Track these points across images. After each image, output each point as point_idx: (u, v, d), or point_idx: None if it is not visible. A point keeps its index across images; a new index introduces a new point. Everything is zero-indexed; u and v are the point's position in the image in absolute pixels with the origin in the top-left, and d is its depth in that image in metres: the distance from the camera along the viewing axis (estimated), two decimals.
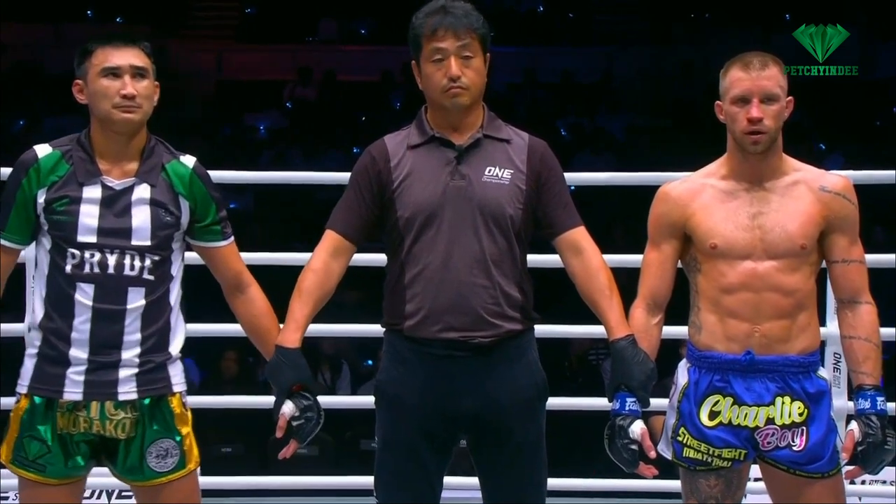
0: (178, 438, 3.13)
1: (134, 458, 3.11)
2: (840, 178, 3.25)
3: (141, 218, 3.10)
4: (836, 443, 3.21)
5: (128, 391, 3.08)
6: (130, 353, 3.08)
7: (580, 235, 3.22)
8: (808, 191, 3.21)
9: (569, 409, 4.71)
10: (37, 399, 3.09)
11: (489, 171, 3.17)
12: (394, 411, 3.19)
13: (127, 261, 3.07)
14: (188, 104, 13.20)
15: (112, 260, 3.06)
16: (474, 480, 3.29)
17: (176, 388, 3.15)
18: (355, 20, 15.24)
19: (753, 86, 3.15)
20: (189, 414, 3.18)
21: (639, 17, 15.28)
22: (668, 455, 3.25)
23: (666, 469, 3.27)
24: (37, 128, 12.47)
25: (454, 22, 3.16)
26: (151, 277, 3.09)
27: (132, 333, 3.08)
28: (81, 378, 3.06)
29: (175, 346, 3.16)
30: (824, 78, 12.35)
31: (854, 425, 3.11)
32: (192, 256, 3.27)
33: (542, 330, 4.27)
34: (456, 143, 3.18)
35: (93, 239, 3.07)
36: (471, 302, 3.12)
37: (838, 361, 4.28)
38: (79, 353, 3.06)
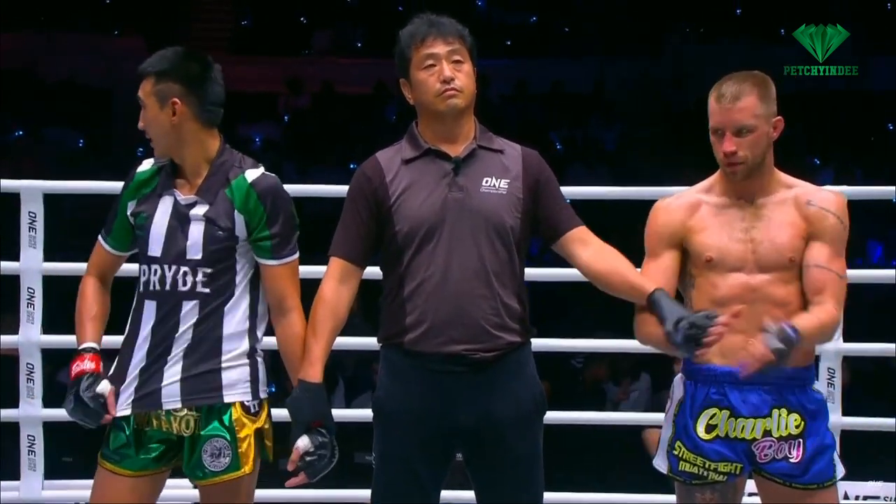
0: (229, 438, 3.14)
1: (196, 456, 3.16)
2: (830, 195, 3.25)
3: (195, 235, 3.15)
4: (834, 456, 3.21)
5: (171, 401, 3.14)
6: (177, 364, 3.13)
7: (585, 232, 3.24)
8: (796, 205, 3.22)
9: (574, 424, 4.71)
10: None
11: (486, 182, 3.17)
12: (391, 426, 3.18)
13: (180, 277, 3.14)
14: None
15: (169, 276, 3.15)
16: (470, 494, 3.29)
17: (229, 398, 3.15)
18: (350, 32, 15.25)
19: (725, 119, 3.16)
20: (260, 420, 3.18)
21: (630, 28, 15.30)
22: (664, 469, 3.25)
23: (662, 483, 3.27)
24: (36, 137, 12.47)
25: (442, 29, 3.18)
26: (206, 290, 3.15)
27: (181, 345, 3.13)
28: (132, 388, 3.15)
29: (233, 354, 3.16)
30: (818, 92, 12.37)
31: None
32: None
33: (543, 344, 4.28)
34: (451, 154, 3.18)
35: (157, 254, 3.17)
36: (472, 313, 3.11)
37: (832, 377, 4.28)
38: (136, 365, 3.16)
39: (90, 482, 3.22)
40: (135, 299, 3.20)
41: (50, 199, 4.40)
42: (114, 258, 3.27)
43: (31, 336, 4.35)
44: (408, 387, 3.15)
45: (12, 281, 4.40)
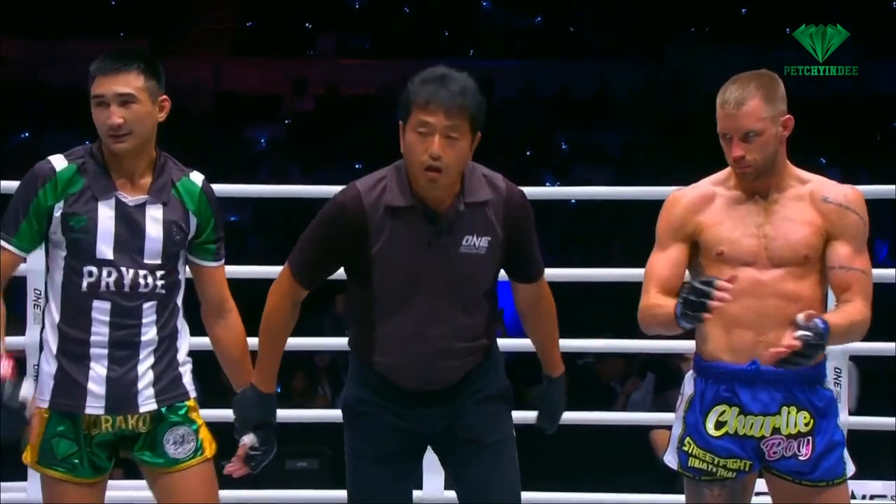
0: (194, 427, 3.20)
1: (157, 447, 3.18)
2: (847, 189, 3.24)
3: (153, 237, 3.15)
4: (844, 454, 3.21)
5: (147, 402, 3.16)
6: (146, 365, 3.15)
7: (537, 288, 3.25)
8: (812, 202, 3.21)
9: (580, 424, 4.71)
10: (56, 414, 3.15)
11: (466, 241, 3.10)
12: (361, 427, 3.19)
13: (141, 279, 3.13)
14: (186, 118, 13.22)
15: (128, 278, 3.12)
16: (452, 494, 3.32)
17: (192, 394, 3.23)
18: (354, 34, 15.27)
19: (731, 125, 3.15)
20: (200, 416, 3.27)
21: (634, 32, 15.31)
22: (674, 465, 3.25)
23: (670, 482, 3.28)
24: (38, 142, 12.48)
25: (448, 98, 3.02)
26: (163, 291, 3.16)
27: (147, 346, 3.15)
28: (102, 391, 3.14)
29: (184, 352, 3.23)
30: (823, 93, 12.38)
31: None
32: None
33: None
34: (437, 211, 3.09)
35: (109, 257, 3.12)
36: (445, 364, 3.13)
37: (839, 376, 4.28)
38: (98, 367, 3.13)
39: None
40: (66, 299, 3.14)
41: None
42: (16, 260, 3.17)
43: (37, 337, 4.34)
44: (377, 396, 3.16)
45: (19, 282, 4.40)
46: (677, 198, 3.28)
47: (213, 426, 3.31)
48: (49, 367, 3.17)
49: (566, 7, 15.71)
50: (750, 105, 3.14)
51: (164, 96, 3.18)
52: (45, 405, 3.15)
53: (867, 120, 13.27)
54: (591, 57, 14.88)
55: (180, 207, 3.18)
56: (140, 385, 3.15)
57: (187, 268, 3.26)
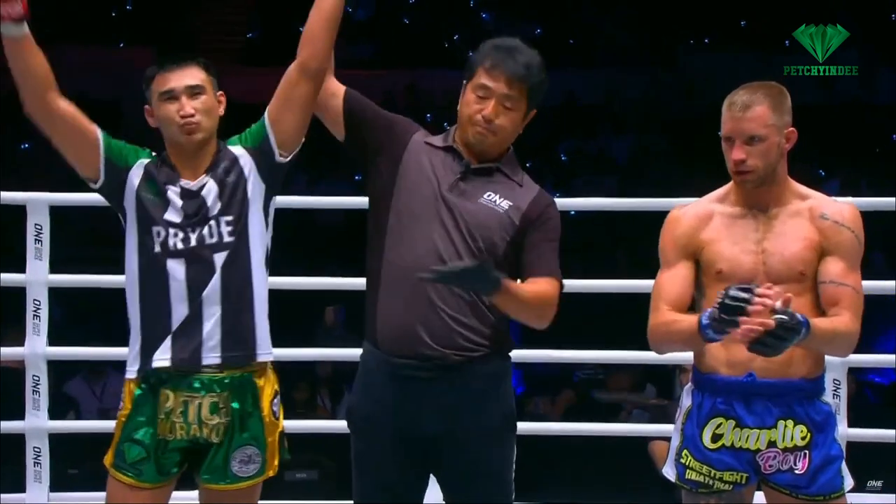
0: (262, 447, 3.23)
1: (219, 460, 3.22)
2: (844, 206, 3.24)
3: (213, 194, 3.22)
4: (842, 468, 3.20)
5: (212, 357, 3.19)
6: (212, 321, 3.19)
7: (547, 283, 3.18)
8: (810, 218, 3.21)
9: (581, 435, 4.71)
10: (138, 391, 3.21)
11: (488, 196, 3.17)
12: (362, 433, 3.19)
13: (206, 231, 3.20)
14: None
15: (194, 235, 3.19)
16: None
17: (261, 357, 3.24)
18: (358, 44, 15.29)
19: (735, 128, 3.16)
20: (281, 421, 3.28)
21: (640, 39, 15.32)
22: (672, 477, 3.25)
23: (668, 492, 3.27)
24: (41, 152, 12.48)
25: (512, 68, 3.15)
26: (231, 239, 3.21)
27: (213, 304, 3.20)
28: (169, 345, 3.19)
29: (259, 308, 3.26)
30: (824, 104, 12.37)
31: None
32: None
33: (538, 355, 4.28)
34: (470, 160, 3.18)
35: (177, 219, 3.20)
36: (443, 308, 3.10)
37: (837, 388, 4.28)
38: (172, 323, 3.19)
39: (96, 494, 3.25)
40: (141, 260, 3.21)
41: (57, 211, 4.41)
42: (95, 137, 3.24)
43: (36, 348, 4.36)
44: (375, 391, 3.16)
45: (18, 293, 4.41)
46: (678, 217, 3.28)
47: None
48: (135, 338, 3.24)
49: (571, 16, 15.72)
50: (757, 110, 3.15)
51: (221, 92, 3.30)
52: (133, 375, 3.22)
53: (867, 131, 13.26)
54: (598, 65, 14.89)
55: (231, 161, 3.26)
56: (205, 335, 3.19)
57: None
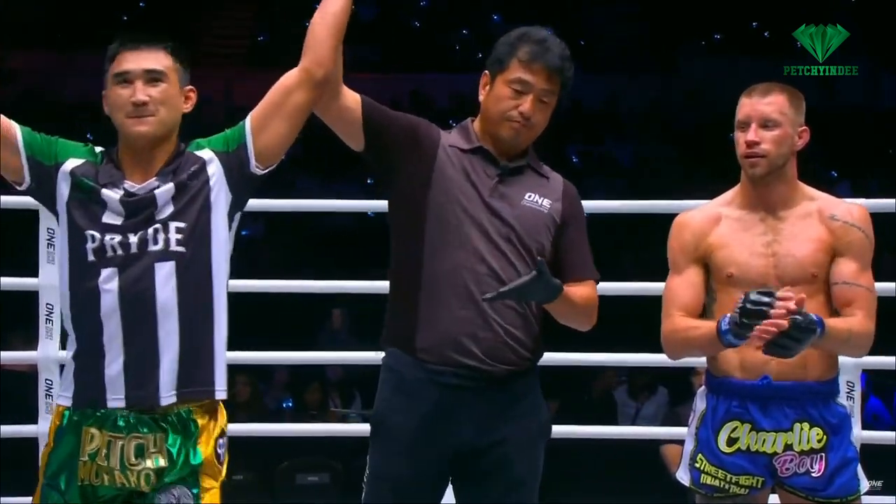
0: (195, 490, 2.77)
1: None
2: (853, 207, 3.25)
3: (164, 198, 2.79)
4: (858, 470, 3.20)
5: (168, 395, 2.75)
6: (169, 347, 2.75)
7: (588, 287, 3.12)
8: (820, 219, 3.21)
9: (587, 438, 4.71)
10: (62, 423, 2.78)
11: (529, 196, 3.08)
12: (389, 443, 3.05)
13: (150, 235, 2.77)
14: (197, 131, 13.25)
15: (135, 239, 2.76)
16: None
17: (219, 394, 2.80)
18: (364, 48, 15.30)
19: (752, 110, 3.17)
20: (223, 466, 2.83)
21: (646, 46, 15.33)
22: (687, 482, 3.24)
23: (682, 496, 3.27)
24: None
25: (552, 62, 3.04)
26: (180, 248, 2.77)
27: (168, 325, 2.75)
28: (121, 376, 2.74)
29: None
30: (833, 110, 12.37)
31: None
32: None
33: (557, 358, 4.27)
34: (500, 161, 3.09)
35: (117, 222, 2.77)
36: (495, 321, 3.01)
37: (851, 390, 4.27)
38: (114, 357, 2.74)
39: None
40: (72, 271, 2.79)
41: None
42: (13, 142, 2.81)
43: (49, 352, 4.36)
44: (412, 400, 3.04)
45: (31, 297, 4.42)
46: (685, 221, 3.28)
47: None
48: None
49: (577, 20, 15.73)
50: (776, 97, 3.17)
51: (191, 87, 2.90)
52: (67, 403, 2.79)
53: (879, 134, 13.27)
54: (602, 70, 14.90)
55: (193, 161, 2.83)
56: (162, 374, 2.74)
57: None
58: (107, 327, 2.74)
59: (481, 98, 3.11)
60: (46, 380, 4.37)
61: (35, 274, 4.37)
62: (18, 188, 2.85)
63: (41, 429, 4.38)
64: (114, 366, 2.74)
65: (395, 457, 3.06)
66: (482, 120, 3.11)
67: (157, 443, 2.76)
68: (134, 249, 2.74)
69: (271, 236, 10.98)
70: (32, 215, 4.37)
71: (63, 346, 2.78)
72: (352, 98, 3.08)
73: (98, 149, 2.87)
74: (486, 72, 3.10)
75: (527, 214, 3.07)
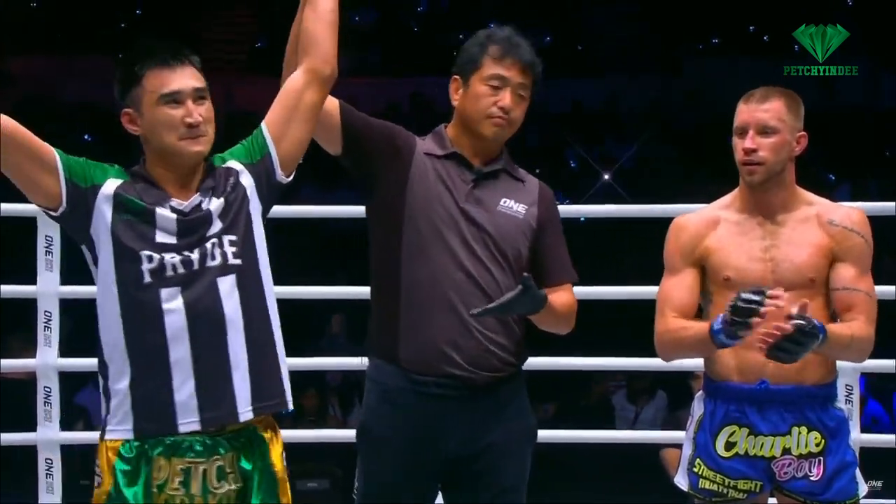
0: None
1: None
2: (852, 211, 3.26)
3: (215, 213, 2.75)
4: (856, 474, 3.20)
5: (246, 410, 2.70)
6: (240, 363, 2.71)
7: (566, 292, 3.14)
8: (819, 224, 3.21)
9: (585, 442, 4.70)
10: (122, 461, 2.68)
11: (505, 202, 3.10)
12: (377, 452, 3.07)
13: (208, 251, 2.73)
14: None
15: (195, 257, 2.71)
16: None
17: (290, 403, 2.78)
18: (363, 52, 15.31)
19: (749, 117, 3.17)
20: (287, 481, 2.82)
21: (646, 46, 15.32)
22: (685, 486, 3.24)
23: (681, 500, 3.26)
24: None
25: (525, 55, 3.09)
26: (237, 261, 2.74)
27: (236, 339, 2.72)
28: (194, 398, 2.67)
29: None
30: (832, 110, 12.36)
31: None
32: None
33: (556, 362, 4.27)
34: (474, 164, 3.10)
35: (172, 241, 2.72)
36: (476, 329, 3.02)
37: (850, 394, 4.27)
38: (184, 379, 2.67)
39: None
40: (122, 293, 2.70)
41: None
42: (51, 162, 2.71)
43: (48, 359, 4.36)
44: (398, 410, 3.05)
45: (29, 304, 4.42)
46: (683, 224, 3.28)
47: None
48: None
49: (577, 20, 15.73)
50: (773, 103, 3.18)
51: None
52: (125, 435, 2.69)
53: (879, 134, 13.26)
54: (602, 70, 14.89)
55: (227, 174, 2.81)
56: (236, 387, 2.69)
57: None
58: (173, 349, 2.67)
59: (455, 103, 3.13)
60: (45, 387, 4.37)
61: (33, 281, 4.38)
62: (51, 214, 2.74)
63: (40, 436, 4.39)
64: (184, 388, 2.66)
65: (384, 466, 3.07)
66: (458, 124, 3.14)
67: (232, 463, 2.71)
68: (196, 266, 2.70)
69: (270, 243, 10.97)
70: (31, 223, 4.38)
71: (98, 376, 2.71)
72: (329, 102, 3.07)
73: (121, 169, 2.81)
74: (457, 76, 3.12)
75: (503, 220, 3.08)
